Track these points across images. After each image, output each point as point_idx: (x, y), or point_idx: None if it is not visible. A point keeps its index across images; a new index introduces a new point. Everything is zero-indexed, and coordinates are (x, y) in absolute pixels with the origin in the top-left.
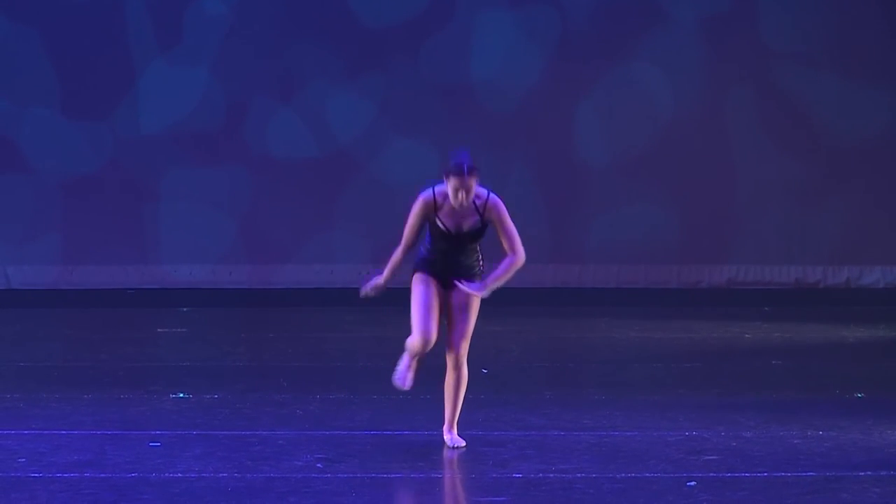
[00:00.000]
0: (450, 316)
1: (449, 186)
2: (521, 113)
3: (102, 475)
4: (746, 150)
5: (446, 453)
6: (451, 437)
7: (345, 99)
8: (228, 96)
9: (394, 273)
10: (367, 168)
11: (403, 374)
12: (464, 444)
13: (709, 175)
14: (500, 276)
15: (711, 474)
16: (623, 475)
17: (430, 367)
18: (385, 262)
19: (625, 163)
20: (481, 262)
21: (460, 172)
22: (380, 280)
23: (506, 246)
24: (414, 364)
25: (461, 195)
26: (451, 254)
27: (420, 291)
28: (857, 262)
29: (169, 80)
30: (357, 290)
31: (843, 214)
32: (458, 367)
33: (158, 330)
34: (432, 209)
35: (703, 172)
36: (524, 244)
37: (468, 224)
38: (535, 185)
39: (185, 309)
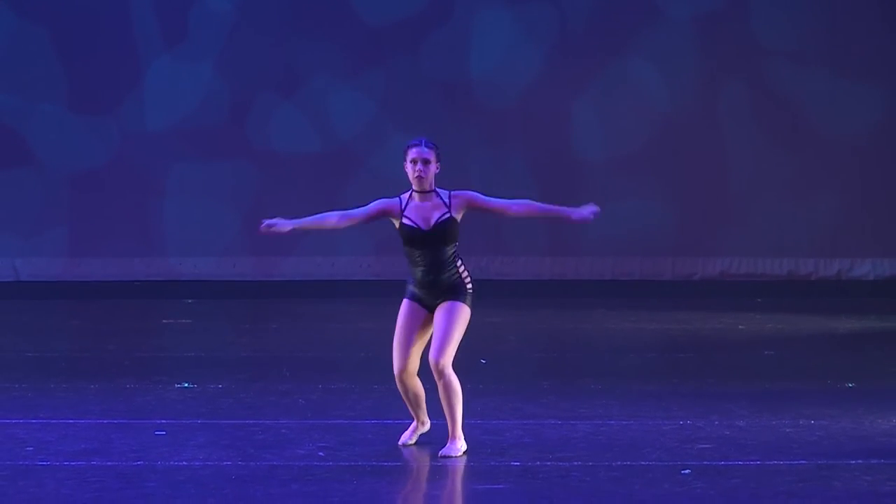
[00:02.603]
0: (434, 329)
1: (407, 162)
2: (519, 109)
3: (109, 463)
4: (740, 144)
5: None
6: (448, 447)
7: (346, 95)
8: (232, 92)
9: (306, 230)
10: (368, 163)
11: (408, 435)
12: (456, 454)
13: (703, 169)
14: (545, 210)
15: (705, 462)
16: (619, 463)
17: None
18: (383, 253)
19: (620, 157)
20: (461, 270)
21: (418, 143)
22: (287, 225)
23: (504, 209)
24: (415, 424)
25: (419, 168)
26: (429, 265)
27: (400, 324)
28: (847, 255)
29: (174, 77)
30: (357, 282)
31: (835, 208)
32: (440, 378)
33: (164, 321)
34: (396, 208)
35: (698, 167)
36: (522, 238)
37: (436, 217)
38: (533, 179)
39: (189, 300)
